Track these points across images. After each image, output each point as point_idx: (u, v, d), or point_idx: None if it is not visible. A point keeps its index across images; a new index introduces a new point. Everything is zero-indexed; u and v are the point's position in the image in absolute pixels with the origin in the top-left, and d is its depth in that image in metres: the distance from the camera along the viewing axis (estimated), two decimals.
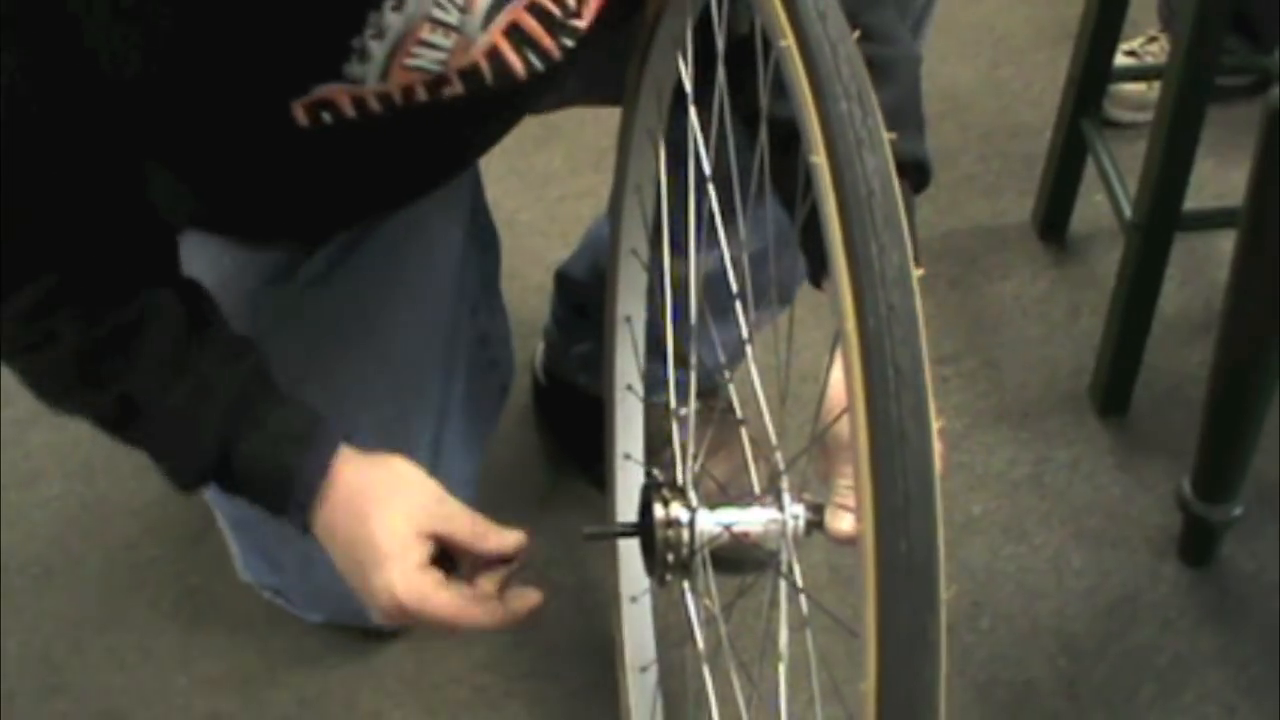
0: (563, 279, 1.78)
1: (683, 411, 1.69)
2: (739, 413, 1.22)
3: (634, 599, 1.50)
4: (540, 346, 1.85)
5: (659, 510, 1.14)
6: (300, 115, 1.14)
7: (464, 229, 1.54)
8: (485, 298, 1.61)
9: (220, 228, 1.41)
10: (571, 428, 1.78)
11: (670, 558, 1.14)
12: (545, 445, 1.85)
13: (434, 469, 1.49)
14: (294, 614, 1.62)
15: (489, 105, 1.24)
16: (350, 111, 1.16)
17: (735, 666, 1.23)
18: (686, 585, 1.22)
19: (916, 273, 0.81)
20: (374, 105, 1.16)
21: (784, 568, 1.10)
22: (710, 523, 1.13)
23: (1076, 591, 1.70)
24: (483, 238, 1.60)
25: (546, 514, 1.77)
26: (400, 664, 1.64)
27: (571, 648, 1.65)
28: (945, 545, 1.44)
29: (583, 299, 1.72)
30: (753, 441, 1.16)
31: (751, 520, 1.11)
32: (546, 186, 2.15)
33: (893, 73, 1.15)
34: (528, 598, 1.25)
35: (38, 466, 1.85)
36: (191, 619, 1.69)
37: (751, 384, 1.14)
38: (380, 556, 1.19)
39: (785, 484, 1.09)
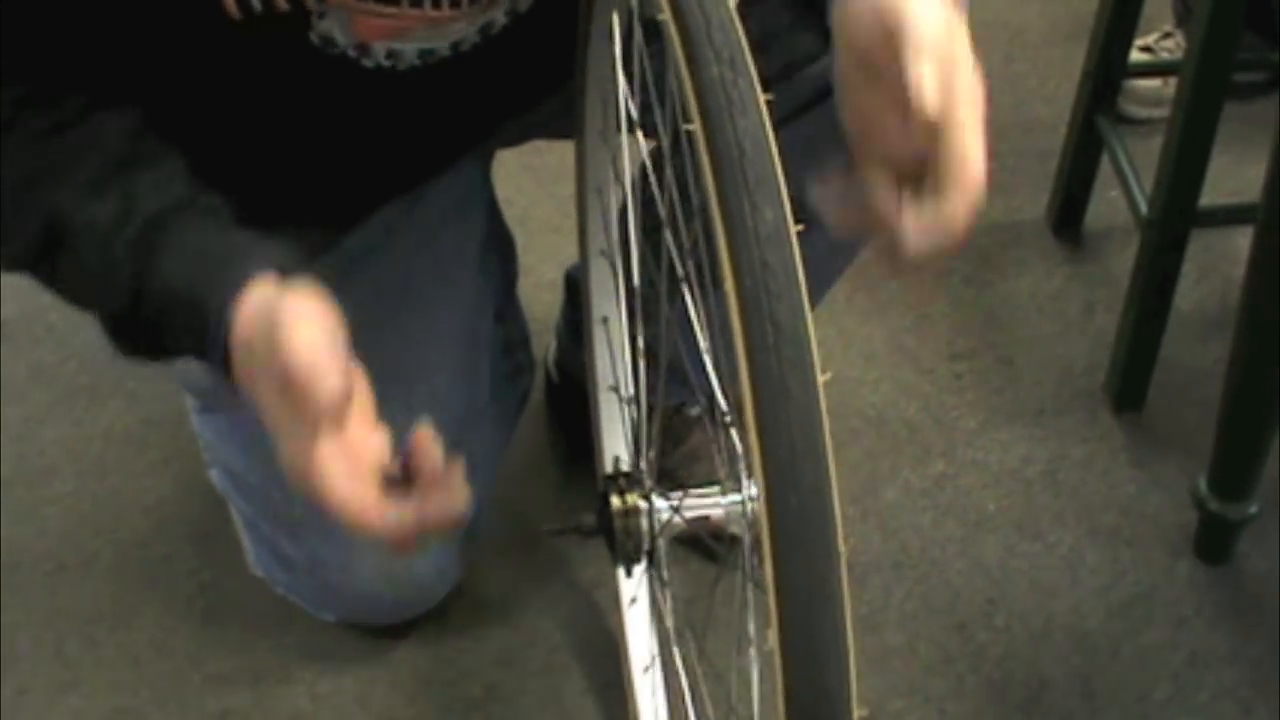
0: (570, 282, 1.78)
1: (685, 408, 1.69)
2: (699, 401, 1.22)
3: (634, 600, 1.50)
4: (552, 344, 1.85)
5: (615, 501, 1.15)
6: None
7: (480, 238, 1.54)
8: (507, 305, 1.61)
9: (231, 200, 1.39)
10: (581, 425, 1.78)
11: (630, 547, 1.15)
12: (557, 441, 1.85)
13: None
14: (307, 609, 1.61)
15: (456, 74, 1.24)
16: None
17: (697, 654, 1.24)
18: (653, 573, 1.23)
19: (796, 228, 0.81)
20: None
21: (745, 550, 1.09)
22: (666, 509, 1.14)
23: (1091, 589, 1.69)
24: (500, 245, 1.60)
25: (558, 511, 1.76)
26: (414, 660, 1.64)
27: (585, 645, 1.65)
28: (958, 543, 1.46)
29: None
30: (712, 426, 1.15)
31: (707, 504, 1.11)
32: (558, 183, 2.15)
33: None
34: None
35: (50, 463, 1.85)
36: (204, 615, 1.69)
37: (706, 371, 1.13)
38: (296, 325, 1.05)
39: (743, 466, 1.08)
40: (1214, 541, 1.70)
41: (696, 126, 0.83)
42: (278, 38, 1.15)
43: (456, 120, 1.38)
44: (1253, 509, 1.66)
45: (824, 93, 1.38)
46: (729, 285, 0.80)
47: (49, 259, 1.15)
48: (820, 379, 0.79)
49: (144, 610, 1.70)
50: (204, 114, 1.21)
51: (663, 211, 1.11)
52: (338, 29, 1.18)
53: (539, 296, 1.87)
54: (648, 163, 1.15)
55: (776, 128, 0.84)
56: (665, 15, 0.87)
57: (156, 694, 1.63)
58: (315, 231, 1.44)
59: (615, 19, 1.14)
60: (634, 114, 1.14)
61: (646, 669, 1.48)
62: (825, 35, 1.02)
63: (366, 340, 1.44)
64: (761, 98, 0.83)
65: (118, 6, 1.10)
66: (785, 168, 0.83)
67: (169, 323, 1.11)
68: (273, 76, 1.20)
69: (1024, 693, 1.60)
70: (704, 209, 0.84)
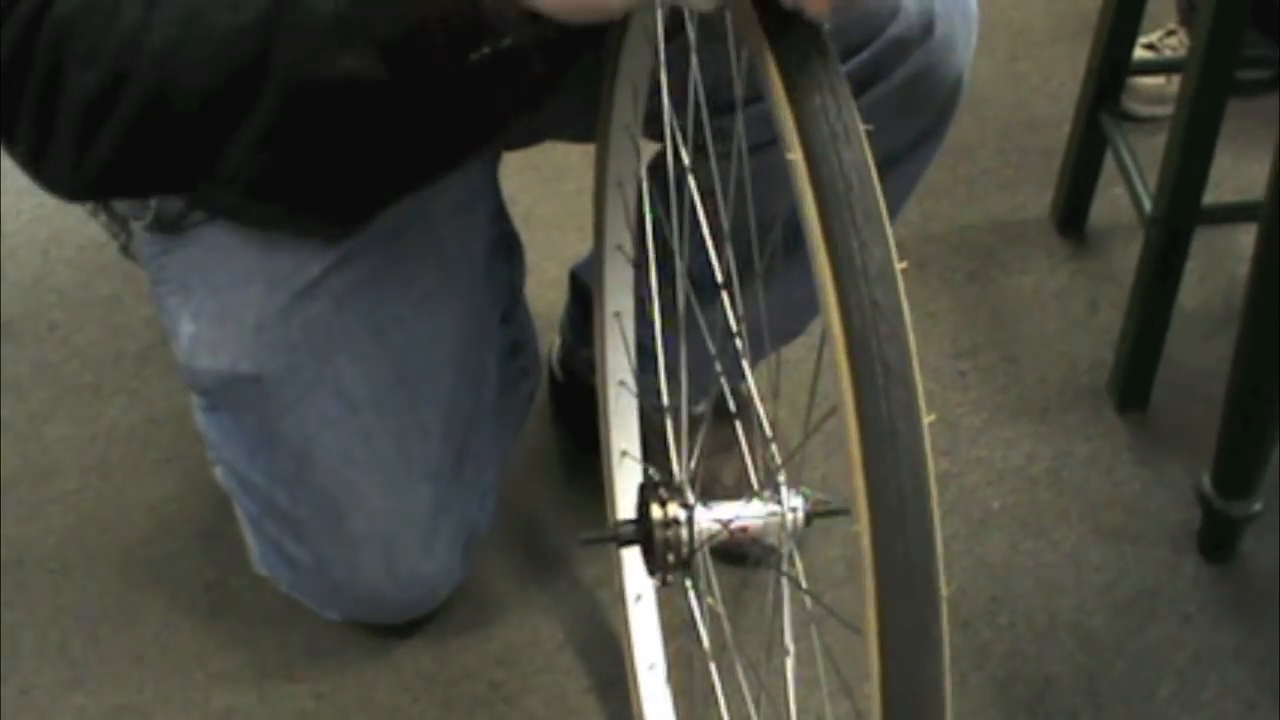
0: (575, 280, 1.78)
1: (696, 409, 1.69)
2: (732, 409, 1.22)
3: (639, 597, 1.50)
4: (556, 341, 1.85)
5: (656, 510, 1.13)
6: None
7: (486, 239, 1.54)
8: (513, 306, 1.61)
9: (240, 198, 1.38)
10: (586, 423, 1.78)
11: (670, 557, 1.14)
12: (561, 439, 1.85)
13: (456, 476, 1.49)
14: (311, 607, 1.61)
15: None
16: None
17: (742, 664, 1.23)
18: (689, 584, 1.22)
19: (900, 266, 0.80)
20: None
21: (784, 563, 1.09)
22: (708, 520, 1.13)
23: (1095, 587, 1.69)
24: (507, 247, 1.60)
25: (562, 509, 1.77)
26: (417, 659, 1.64)
27: (588, 643, 1.65)
28: (963, 540, 1.46)
29: (592, 303, 1.72)
30: (749, 437, 1.15)
31: (749, 515, 1.11)
32: (563, 180, 2.15)
33: None
34: None
35: (54, 461, 1.85)
36: (208, 614, 1.70)
37: (745, 380, 1.13)
38: None
39: (782, 477, 1.08)
40: (1218, 539, 1.70)
41: (797, 157, 0.81)
42: None
43: (463, 122, 1.37)
44: (1256, 506, 1.66)
45: None
46: (834, 323, 0.79)
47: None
48: (926, 421, 0.78)
49: (148, 609, 1.70)
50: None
51: (697, 212, 1.10)
52: None
53: (542, 294, 1.87)
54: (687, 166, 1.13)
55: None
56: (759, 40, 0.85)
57: (160, 692, 1.63)
58: (321, 229, 1.44)
59: (659, 17, 1.14)
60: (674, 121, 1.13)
61: (652, 667, 1.48)
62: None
63: (372, 341, 1.45)
64: (863, 129, 0.82)
65: None
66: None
67: None
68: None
69: (1028, 690, 1.60)
70: (765, 222, 0.82)
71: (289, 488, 1.47)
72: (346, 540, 1.48)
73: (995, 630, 1.65)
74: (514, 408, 1.61)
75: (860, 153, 0.81)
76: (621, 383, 1.48)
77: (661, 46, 1.13)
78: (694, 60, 1.07)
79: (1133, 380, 1.86)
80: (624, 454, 1.50)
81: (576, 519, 1.69)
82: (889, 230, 0.80)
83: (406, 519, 1.48)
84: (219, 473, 1.56)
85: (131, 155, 1.12)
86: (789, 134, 0.82)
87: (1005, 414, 1.88)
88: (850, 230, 0.79)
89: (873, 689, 0.77)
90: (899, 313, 0.79)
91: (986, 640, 1.64)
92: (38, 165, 1.14)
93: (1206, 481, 1.66)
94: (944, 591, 0.77)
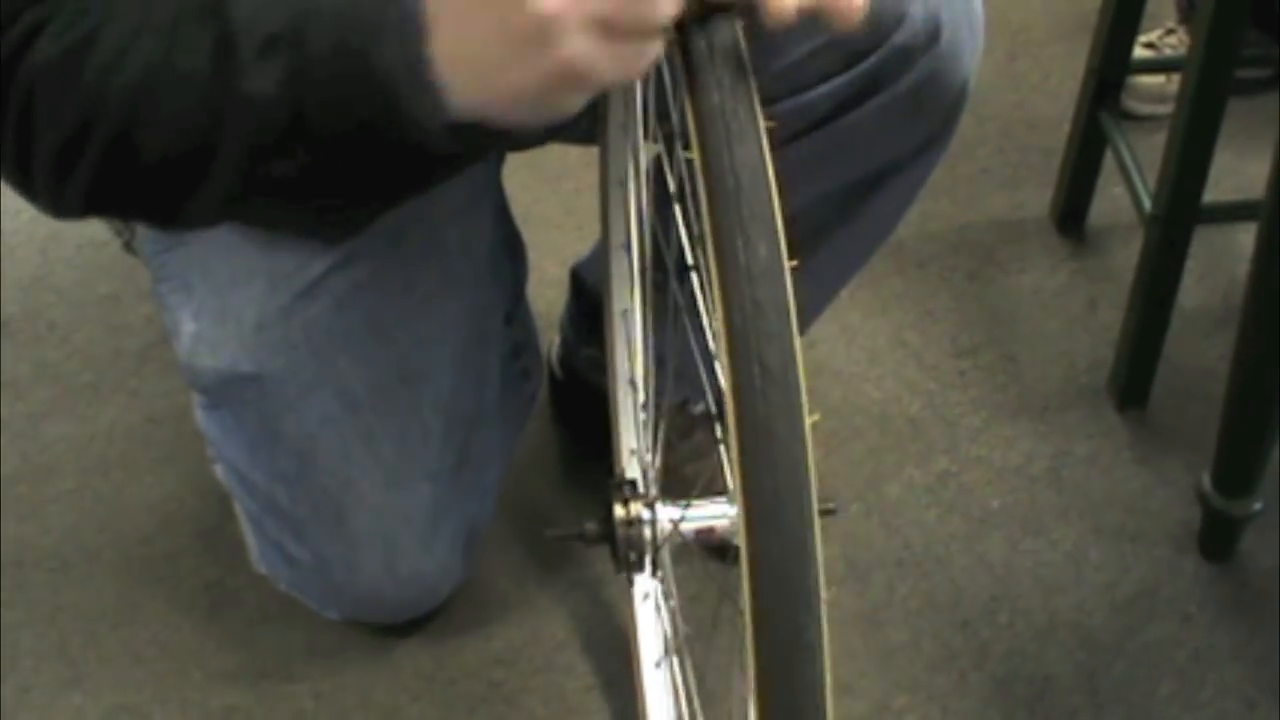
0: (576, 279, 1.78)
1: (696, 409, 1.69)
2: (712, 409, 1.21)
3: (646, 595, 1.49)
4: (556, 340, 1.85)
5: (619, 509, 1.13)
6: None
7: (489, 240, 1.54)
8: (515, 308, 1.61)
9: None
10: (586, 422, 1.78)
11: (633, 556, 1.14)
12: (561, 438, 1.84)
13: (457, 476, 1.49)
14: (311, 607, 1.61)
15: None
16: None
17: (694, 664, 1.23)
18: (656, 581, 1.22)
19: (789, 264, 0.79)
20: None
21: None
22: (667, 519, 1.12)
23: (1095, 586, 1.69)
24: (510, 248, 1.60)
25: (562, 507, 1.76)
26: (416, 659, 1.64)
27: (588, 642, 1.65)
28: (962, 539, 1.45)
29: (594, 302, 1.71)
30: (717, 432, 1.15)
31: (714, 515, 1.10)
32: (562, 179, 2.15)
33: None
34: None
35: (52, 460, 1.85)
36: (207, 613, 1.69)
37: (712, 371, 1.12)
38: None
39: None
40: (1218, 538, 1.70)
41: (695, 155, 0.81)
42: None
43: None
44: (1257, 506, 1.66)
45: (835, 111, 1.38)
46: (720, 322, 0.79)
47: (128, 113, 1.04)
48: (808, 422, 0.77)
49: (147, 608, 1.70)
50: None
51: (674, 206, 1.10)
52: None
53: (543, 293, 1.87)
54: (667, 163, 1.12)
55: (784, 144, 0.82)
56: (670, 37, 0.85)
57: (159, 691, 1.63)
58: (324, 231, 1.44)
59: None
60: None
61: (658, 664, 1.48)
62: (840, 57, 1.01)
63: (375, 341, 1.45)
64: (763, 126, 0.81)
65: None
66: (794, 186, 0.82)
67: (335, 82, 0.98)
68: None
69: (1028, 689, 1.60)
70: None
71: (289, 486, 1.47)
72: (346, 539, 1.47)
73: (995, 629, 1.65)
74: (516, 408, 1.61)
75: (754, 150, 0.80)
76: (630, 382, 1.48)
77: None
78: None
79: (1132, 379, 1.86)
80: (633, 453, 1.50)
81: (577, 518, 1.68)
82: (779, 229, 0.79)
83: (407, 519, 1.48)
84: (219, 471, 1.56)
85: (108, 189, 1.12)
86: (691, 132, 0.82)
87: (1005, 413, 1.88)
88: (736, 229, 0.79)
89: (750, 694, 0.76)
90: (782, 312, 0.78)
91: (986, 639, 1.64)
92: (24, 191, 1.14)
93: (1206, 480, 1.66)
94: (823, 595, 0.76)
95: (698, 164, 0.81)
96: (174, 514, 1.79)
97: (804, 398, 0.77)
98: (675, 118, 0.99)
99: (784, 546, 0.76)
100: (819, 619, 0.76)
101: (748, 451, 0.76)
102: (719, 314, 0.79)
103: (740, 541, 0.76)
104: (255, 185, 1.07)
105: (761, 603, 0.76)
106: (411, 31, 0.93)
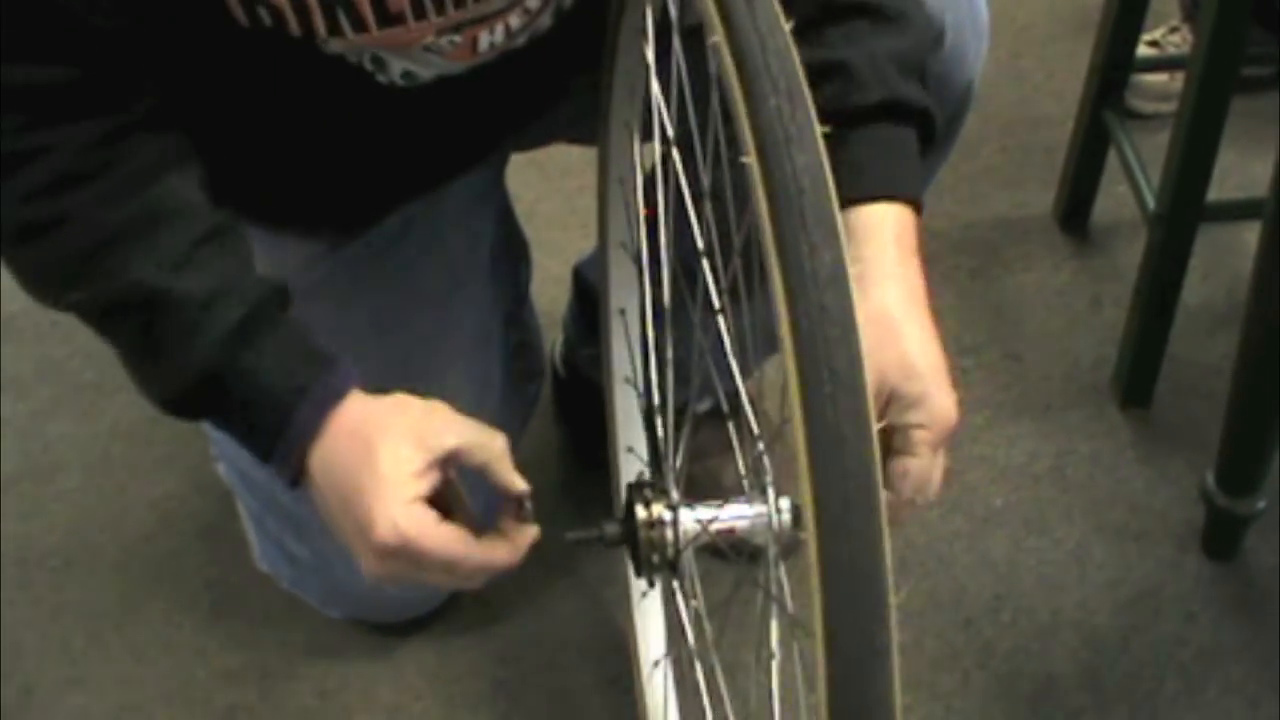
0: (579, 277, 1.78)
1: (701, 408, 1.68)
2: (724, 408, 1.21)
3: (644, 594, 1.49)
4: (559, 338, 1.85)
5: (641, 511, 1.13)
6: (237, 8, 1.10)
7: (492, 240, 1.54)
8: (518, 309, 1.61)
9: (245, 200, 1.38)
10: (589, 420, 1.78)
11: (655, 558, 1.13)
12: (564, 437, 1.84)
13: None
14: (313, 605, 1.61)
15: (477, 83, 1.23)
16: (292, 17, 1.11)
17: (721, 668, 1.22)
18: (675, 585, 1.21)
19: (853, 270, 0.79)
20: (314, 5, 1.10)
21: (771, 567, 1.08)
22: (692, 521, 1.12)
23: (1099, 585, 1.69)
24: (513, 248, 1.60)
25: (565, 506, 1.76)
26: (420, 657, 1.64)
27: (591, 642, 1.65)
28: (965, 538, 1.44)
29: (596, 301, 1.71)
30: (742, 438, 1.14)
31: (732, 516, 1.10)
32: (565, 178, 2.15)
33: (902, 24, 1.14)
34: (526, 532, 1.18)
35: (56, 459, 1.85)
36: (210, 611, 1.69)
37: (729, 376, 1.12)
38: (384, 485, 1.10)
39: (769, 478, 1.07)
40: (1221, 537, 1.70)
41: (752, 160, 0.80)
42: (291, 45, 1.15)
43: (473, 126, 1.38)
44: (1260, 504, 1.66)
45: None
46: (785, 329, 0.78)
47: (118, 322, 1.15)
48: (875, 427, 0.77)
49: (150, 606, 1.70)
50: (220, 112, 1.21)
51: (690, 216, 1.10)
52: (349, 52, 1.17)
53: (545, 291, 1.87)
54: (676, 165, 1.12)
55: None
56: (719, 38, 0.84)
57: (163, 690, 1.63)
58: (327, 231, 1.44)
59: (649, 13, 1.13)
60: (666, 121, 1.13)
61: (657, 663, 1.48)
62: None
63: (377, 341, 1.45)
64: (819, 131, 0.81)
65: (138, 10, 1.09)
66: None
67: (242, 411, 1.14)
68: (286, 79, 1.19)
69: (1031, 688, 1.60)
70: (752, 233, 0.82)
71: None
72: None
73: (998, 628, 1.65)
74: (519, 409, 1.61)
75: (814, 156, 0.80)
76: (626, 380, 1.47)
77: (650, 49, 1.13)
78: (667, 61, 1.07)
79: (1136, 377, 1.86)
80: (629, 450, 1.50)
81: (579, 516, 1.68)
82: (842, 235, 0.79)
83: None
84: (221, 469, 1.56)
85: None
86: (745, 137, 0.81)
87: (1008, 411, 1.87)
88: (800, 234, 0.78)
89: (819, 703, 0.76)
90: (849, 317, 0.78)
91: (989, 638, 1.64)
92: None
93: (1210, 479, 1.66)
94: (893, 600, 0.75)
95: (754, 170, 0.80)
96: (176, 512, 1.79)
97: (871, 403, 0.77)
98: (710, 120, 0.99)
99: (854, 553, 0.75)
100: (889, 626, 0.75)
101: (818, 458, 0.76)
102: (783, 321, 0.78)
103: (810, 548, 0.75)
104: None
105: (833, 610, 0.75)
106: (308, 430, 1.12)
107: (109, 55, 1.11)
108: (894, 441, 1.07)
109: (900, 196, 1.12)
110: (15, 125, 1.09)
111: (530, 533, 1.18)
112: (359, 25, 1.13)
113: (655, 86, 1.10)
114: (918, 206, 1.13)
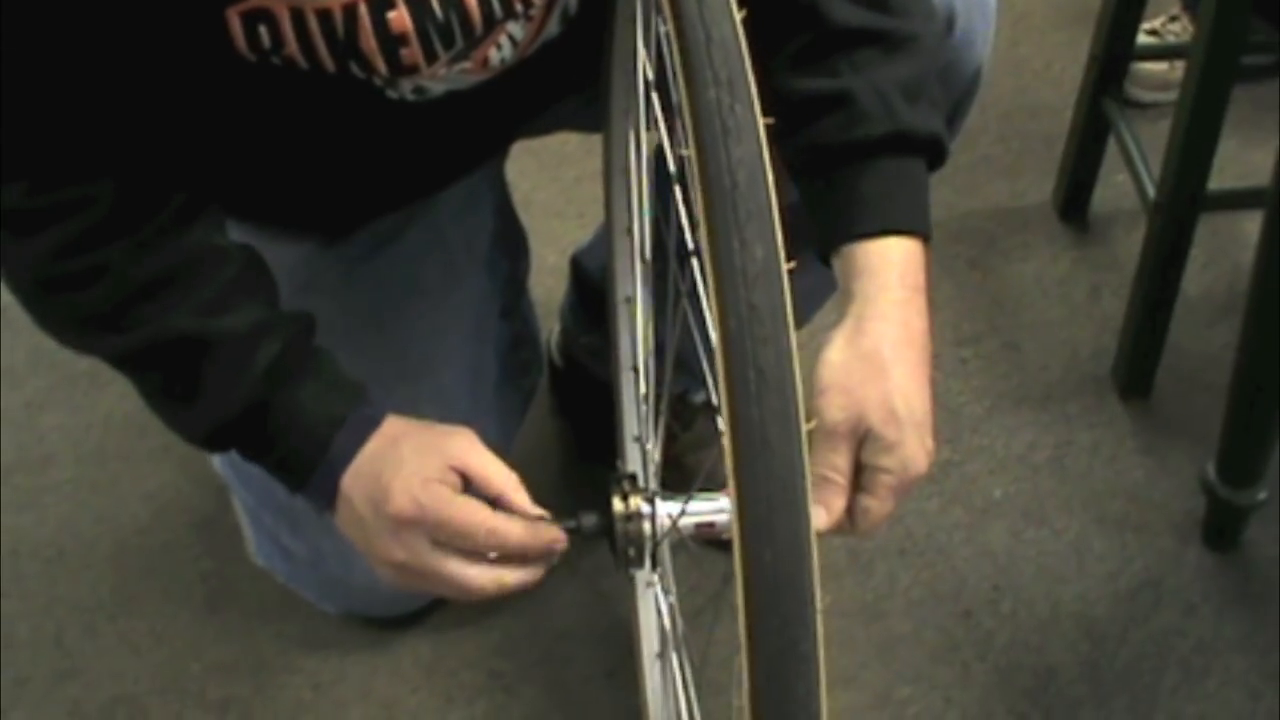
0: (577, 266, 1.77)
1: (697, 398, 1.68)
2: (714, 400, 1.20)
3: (648, 585, 1.49)
4: (556, 329, 1.84)
5: (618, 503, 1.12)
6: (237, 29, 1.09)
7: (490, 234, 1.53)
8: (515, 302, 1.60)
9: (242, 206, 1.38)
10: (587, 411, 1.77)
11: (631, 551, 1.12)
12: (562, 428, 1.84)
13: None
14: (308, 599, 1.61)
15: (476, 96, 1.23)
16: (291, 37, 1.10)
17: (688, 661, 1.22)
18: (655, 578, 1.20)
19: (787, 266, 0.77)
20: (314, 28, 1.10)
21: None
22: (667, 514, 1.11)
23: (1098, 576, 1.68)
24: (510, 242, 1.59)
25: (562, 497, 1.75)
26: (416, 649, 1.63)
27: (587, 633, 1.64)
28: (965, 529, 1.43)
29: (594, 290, 1.71)
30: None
31: (714, 510, 1.09)
32: (562, 167, 2.14)
33: (910, 48, 1.13)
34: (545, 528, 1.17)
35: (50, 450, 1.84)
36: (205, 604, 1.69)
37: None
38: (405, 466, 1.12)
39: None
40: (1222, 528, 1.70)
41: (691, 152, 0.79)
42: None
43: (482, 131, 1.37)
44: (1261, 495, 1.65)
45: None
46: (714, 325, 0.76)
47: (150, 360, 1.17)
48: (805, 428, 0.75)
49: (144, 598, 1.69)
50: (227, 121, 1.20)
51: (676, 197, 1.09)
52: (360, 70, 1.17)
53: (541, 281, 1.86)
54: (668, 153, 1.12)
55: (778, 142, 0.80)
56: (669, 28, 0.82)
57: (156, 683, 1.62)
58: (327, 228, 1.44)
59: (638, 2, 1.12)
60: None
61: (659, 654, 1.47)
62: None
63: (374, 335, 1.44)
64: (761, 125, 0.79)
65: (136, 36, 1.09)
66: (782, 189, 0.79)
67: (280, 443, 1.16)
68: (294, 95, 1.18)
69: (1031, 680, 1.59)
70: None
71: None
72: (343, 533, 1.46)
73: (998, 620, 1.64)
74: (515, 403, 1.60)
75: (752, 148, 0.78)
76: (634, 369, 1.47)
77: (640, 39, 1.12)
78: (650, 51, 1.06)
79: (1136, 368, 1.85)
80: (636, 439, 1.49)
81: (576, 508, 1.68)
82: (777, 230, 0.77)
83: None
84: (217, 462, 1.55)
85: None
86: (687, 128, 0.79)
87: (1007, 402, 1.87)
88: (732, 229, 0.76)
89: (743, 706, 0.74)
90: (778, 316, 0.76)
91: (989, 630, 1.63)
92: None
93: (1211, 470, 1.66)
94: (819, 605, 0.74)
95: (693, 161, 0.79)
96: (171, 504, 1.78)
97: (800, 405, 0.75)
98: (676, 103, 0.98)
99: (778, 557, 0.74)
100: (814, 631, 0.74)
101: (742, 458, 0.74)
102: (714, 317, 0.77)
103: (735, 551, 0.74)
104: None
105: (755, 614, 0.74)
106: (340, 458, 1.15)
107: (135, 115, 1.13)
108: (860, 479, 1.07)
109: (907, 231, 1.11)
110: (43, 184, 1.12)
111: (549, 532, 1.18)
112: (372, 75, 1.13)
113: (649, 73, 1.09)
114: (926, 239, 1.12)
